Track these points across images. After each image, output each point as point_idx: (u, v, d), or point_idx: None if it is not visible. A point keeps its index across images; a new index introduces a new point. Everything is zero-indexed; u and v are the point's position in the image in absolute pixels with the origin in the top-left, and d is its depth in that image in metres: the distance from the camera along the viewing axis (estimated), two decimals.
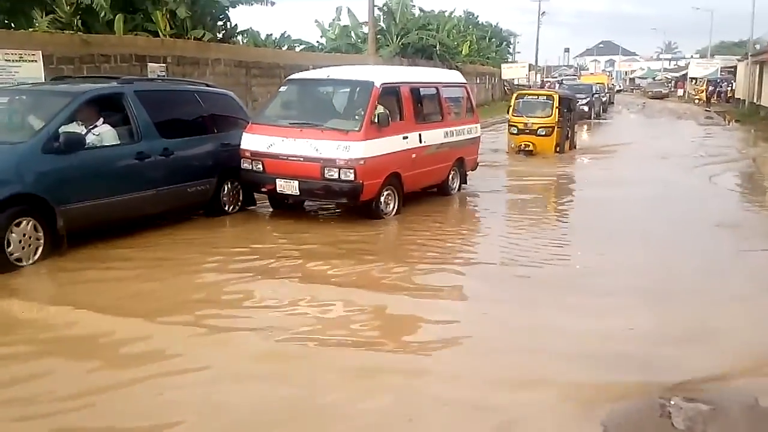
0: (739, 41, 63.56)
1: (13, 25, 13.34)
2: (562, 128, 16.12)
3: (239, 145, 8.08)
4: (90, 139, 6.64)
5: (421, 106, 9.27)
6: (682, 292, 5.80)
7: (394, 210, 8.45)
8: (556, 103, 15.85)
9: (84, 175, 6.41)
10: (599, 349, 4.44)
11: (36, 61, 10.84)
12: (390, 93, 8.44)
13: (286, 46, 25.56)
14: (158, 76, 13.76)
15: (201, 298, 5.28)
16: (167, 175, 7.29)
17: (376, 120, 7.79)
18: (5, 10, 13.85)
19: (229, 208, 8.33)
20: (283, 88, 8.97)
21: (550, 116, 15.74)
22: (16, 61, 10.58)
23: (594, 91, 30.55)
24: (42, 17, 13.38)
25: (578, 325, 4.84)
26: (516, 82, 44.67)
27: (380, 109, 8.05)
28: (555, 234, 7.91)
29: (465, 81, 10.90)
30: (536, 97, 16.86)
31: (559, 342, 4.54)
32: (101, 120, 6.87)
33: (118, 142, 6.94)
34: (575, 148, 17.70)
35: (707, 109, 37.31)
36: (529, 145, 15.68)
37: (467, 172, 10.60)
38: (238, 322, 4.80)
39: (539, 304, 5.36)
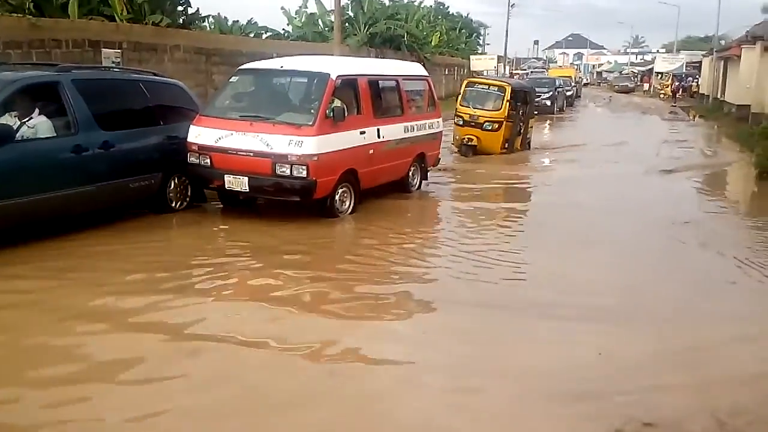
0: (705, 37, 64.59)
1: None
2: (513, 124, 14.78)
3: (187, 138, 7.74)
4: (23, 131, 6.25)
5: (380, 99, 9.00)
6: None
7: (350, 208, 8.19)
8: (507, 95, 14.35)
9: (12, 170, 5.99)
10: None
11: None
12: (347, 86, 8.14)
13: (252, 33, 25.08)
14: (113, 62, 13.32)
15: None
16: (107, 170, 6.91)
17: (331, 114, 7.50)
18: None
19: (176, 205, 7.95)
20: (234, 78, 8.60)
21: (500, 109, 14.28)
22: None
23: (557, 85, 30.27)
24: None
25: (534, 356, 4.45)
26: (485, 74, 44.62)
27: (336, 102, 7.76)
28: (509, 244, 7.38)
29: (427, 74, 10.66)
30: (487, 87, 15.16)
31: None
32: (36, 111, 6.46)
33: (54, 135, 6.52)
34: (528, 147, 16.21)
35: (672, 104, 37.69)
36: (472, 140, 14.27)
37: (428, 168, 10.37)
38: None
39: (493, 330, 4.93)
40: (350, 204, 8.19)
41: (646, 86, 53.92)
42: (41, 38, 11.96)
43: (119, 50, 13.59)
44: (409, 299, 5.53)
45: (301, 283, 5.60)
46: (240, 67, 8.76)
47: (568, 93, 33.93)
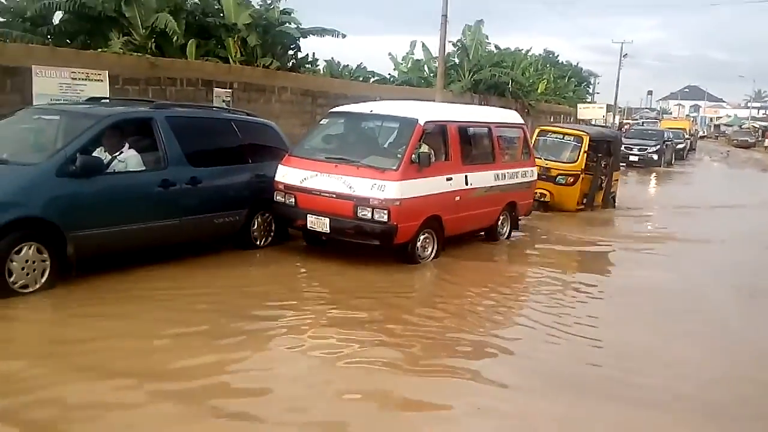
0: None
1: (91, 45, 13.80)
2: (593, 177, 13.37)
3: (275, 177, 7.91)
4: (114, 164, 6.53)
5: (470, 146, 8.88)
6: None
7: (432, 254, 8.04)
8: (585, 146, 12.91)
9: (101, 201, 6.23)
10: None
11: (102, 80, 11.15)
12: (436, 131, 8.08)
13: (361, 78, 25.78)
14: (223, 101, 14.00)
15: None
16: (193, 205, 7.08)
17: (416, 159, 7.44)
18: (86, 30, 14.41)
19: (260, 242, 8.11)
20: (324, 121, 8.76)
21: (575, 161, 12.85)
22: (83, 79, 10.90)
23: (666, 138, 28.58)
24: (118, 39, 13.85)
25: None
26: (593, 123, 43.60)
27: (423, 147, 7.70)
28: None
29: (522, 121, 10.46)
30: (561, 136, 13.58)
31: None
32: (127, 145, 6.74)
33: (143, 169, 6.77)
34: (613, 204, 14.38)
35: None
36: (544, 195, 12.43)
37: (519, 218, 10.12)
38: None
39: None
40: (432, 250, 8.04)
41: (767, 142, 50.83)
42: (157, 76, 12.77)
43: (230, 90, 14.26)
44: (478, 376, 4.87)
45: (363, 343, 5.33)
46: (331, 110, 8.93)
47: (680, 146, 32.11)
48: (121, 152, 6.68)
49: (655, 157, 26.27)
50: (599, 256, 10.12)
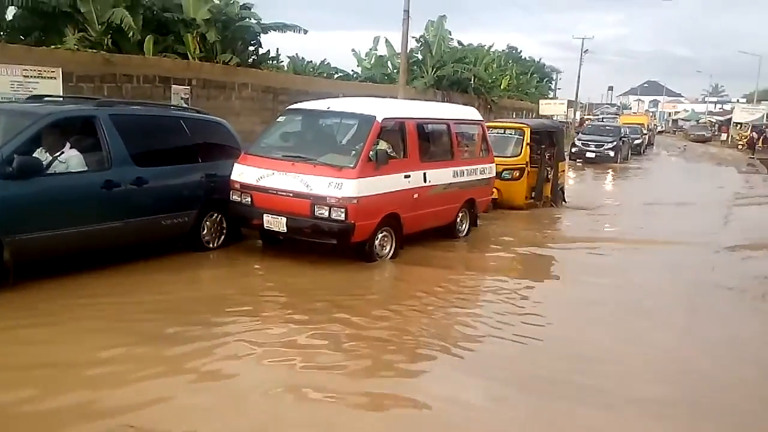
0: None
1: (45, 41, 13.49)
2: (538, 169, 13.14)
3: (227, 176, 7.73)
4: (54, 165, 6.26)
5: (428, 143, 8.88)
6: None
7: (391, 252, 8.02)
8: (526, 139, 12.67)
9: (40, 204, 5.96)
10: None
11: (55, 78, 10.88)
12: (393, 129, 8.06)
13: (325, 74, 25.69)
14: (182, 98, 13.82)
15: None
16: (138, 206, 6.84)
17: (374, 157, 7.42)
18: (40, 27, 14.09)
19: (211, 244, 7.90)
20: (281, 118, 8.64)
21: (519, 155, 12.57)
22: (35, 77, 10.64)
23: (622, 134, 28.58)
24: (73, 35, 13.56)
25: None
26: (555, 119, 44.16)
27: (382, 145, 7.69)
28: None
29: (481, 118, 10.50)
30: (503, 130, 13.28)
31: None
32: (68, 145, 6.46)
33: (85, 169, 6.47)
34: (564, 200, 14.11)
35: (750, 156, 36.13)
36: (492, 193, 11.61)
37: (478, 214, 10.17)
38: None
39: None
40: (391, 249, 8.03)
41: (723, 136, 52.06)
42: (113, 73, 12.53)
43: (188, 87, 14.07)
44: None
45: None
46: (288, 107, 8.84)
47: (636, 141, 32.40)
48: (62, 152, 6.41)
49: (612, 153, 26.21)
50: (546, 259, 9.53)
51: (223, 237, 8.05)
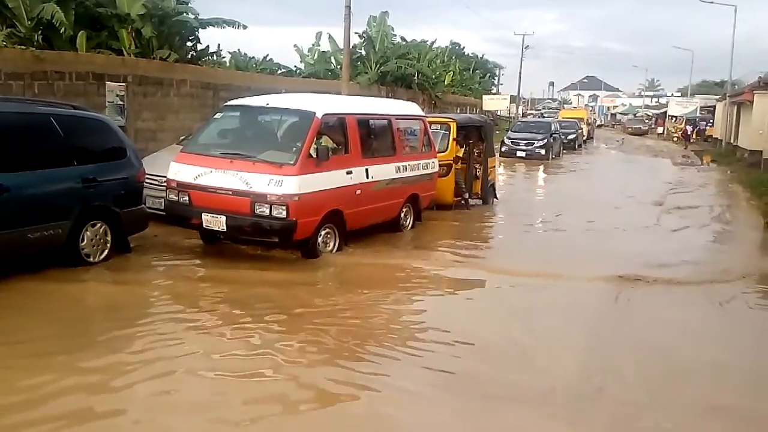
0: (720, 81, 64.44)
1: None
2: (467, 166, 12.69)
3: (110, 180, 7.12)
4: None
5: (370, 138, 8.88)
6: None
7: (335, 248, 8.00)
8: (452, 134, 11.96)
9: None
10: None
11: None
12: (334, 124, 8.04)
13: (268, 70, 25.35)
14: (117, 95, 13.43)
15: None
16: None
17: (314, 153, 7.36)
18: None
19: (93, 258, 7.01)
20: (218, 115, 8.49)
21: (445, 150, 11.73)
22: None
23: (553, 131, 27.17)
24: (1, 31, 13.00)
25: None
26: (499, 113, 44.76)
27: (323, 141, 7.64)
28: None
29: (422, 113, 10.55)
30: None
31: None
32: None
33: None
34: (495, 196, 13.59)
35: (685, 148, 37.41)
36: None
37: (421, 209, 10.18)
38: None
39: None
40: (334, 245, 8.00)
41: (660, 129, 53.80)
42: (44, 70, 12.07)
43: (124, 84, 13.68)
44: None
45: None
46: (225, 104, 8.69)
47: (570, 137, 31.23)
48: None
49: (543, 151, 25.13)
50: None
51: (107, 250, 7.18)
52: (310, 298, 6.52)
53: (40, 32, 13.49)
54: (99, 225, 7.07)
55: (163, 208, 7.94)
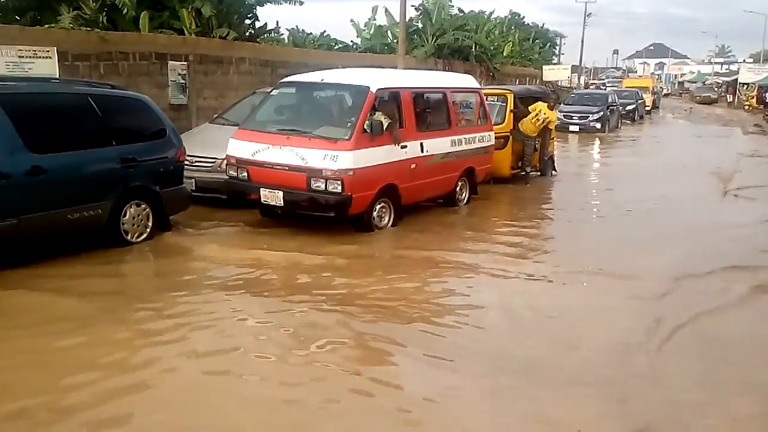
0: None
1: (40, 19, 13.40)
2: (524, 139, 12.30)
3: (149, 159, 7.07)
4: None
5: (425, 112, 8.83)
6: None
7: (390, 223, 8.06)
8: (509, 105, 11.89)
9: None
10: None
11: (50, 57, 10.87)
12: (388, 99, 8.01)
13: (325, 46, 25.46)
14: (179, 74, 13.77)
15: None
16: (36, 199, 5.97)
17: (369, 128, 7.41)
18: (35, 6, 13.98)
19: (133, 237, 6.96)
20: (275, 92, 8.59)
21: (503, 123, 11.68)
22: (30, 57, 10.62)
23: (610, 102, 25.89)
24: (68, 13, 13.45)
25: None
26: (560, 84, 43.75)
27: (377, 116, 7.66)
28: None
29: (478, 86, 10.44)
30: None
31: None
32: None
33: None
34: (554, 169, 13.32)
35: (765, 116, 35.55)
36: None
37: (477, 183, 10.13)
38: None
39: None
40: (389, 219, 8.06)
41: (730, 97, 51.58)
42: (109, 51, 12.46)
43: (185, 63, 14.00)
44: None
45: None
46: (281, 80, 8.80)
47: (629, 107, 29.81)
48: None
49: (598, 125, 23.90)
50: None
51: (148, 229, 7.16)
52: (361, 275, 6.43)
53: (104, 14, 13.90)
54: (142, 205, 7.07)
55: (194, 187, 7.99)
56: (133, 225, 7.01)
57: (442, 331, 5.05)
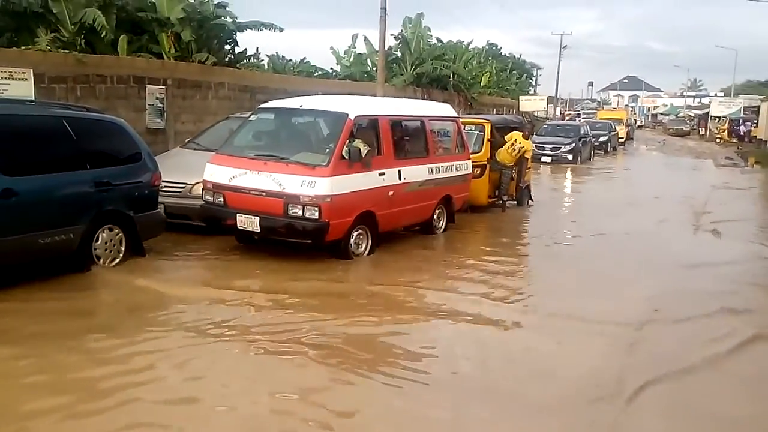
0: (765, 80, 62.87)
1: (17, 41, 13.30)
2: (502, 168, 12.30)
3: (124, 183, 6.98)
4: None
5: (403, 140, 8.85)
6: None
7: (367, 250, 8.01)
8: (487, 134, 11.97)
9: None
10: None
11: (26, 79, 10.73)
12: (367, 126, 8.04)
13: (304, 72, 25.58)
14: (157, 98, 13.71)
15: None
16: (7, 223, 5.83)
17: (347, 155, 7.41)
18: (12, 27, 13.88)
19: (106, 261, 6.84)
20: (253, 117, 8.57)
21: (480, 151, 11.75)
22: (6, 78, 10.49)
23: (582, 134, 25.65)
24: (46, 35, 13.37)
25: None
26: (536, 114, 44.32)
27: (356, 142, 7.66)
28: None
29: (456, 114, 10.51)
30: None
31: None
32: None
33: None
34: (530, 198, 13.35)
35: (738, 148, 36.20)
36: None
37: (455, 211, 10.14)
38: None
39: None
40: (367, 247, 8.02)
41: (702, 130, 52.68)
42: (86, 73, 12.39)
43: (163, 87, 13.95)
44: None
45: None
46: (260, 106, 8.79)
47: (602, 139, 29.77)
48: None
49: (570, 156, 23.64)
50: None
51: (121, 255, 7.03)
52: (336, 306, 6.29)
53: (82, 36, 13.87)
54: (115, 230, 6.95)
55: (164, 213, 7.77)
56: (106, 250, 6.87)
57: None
